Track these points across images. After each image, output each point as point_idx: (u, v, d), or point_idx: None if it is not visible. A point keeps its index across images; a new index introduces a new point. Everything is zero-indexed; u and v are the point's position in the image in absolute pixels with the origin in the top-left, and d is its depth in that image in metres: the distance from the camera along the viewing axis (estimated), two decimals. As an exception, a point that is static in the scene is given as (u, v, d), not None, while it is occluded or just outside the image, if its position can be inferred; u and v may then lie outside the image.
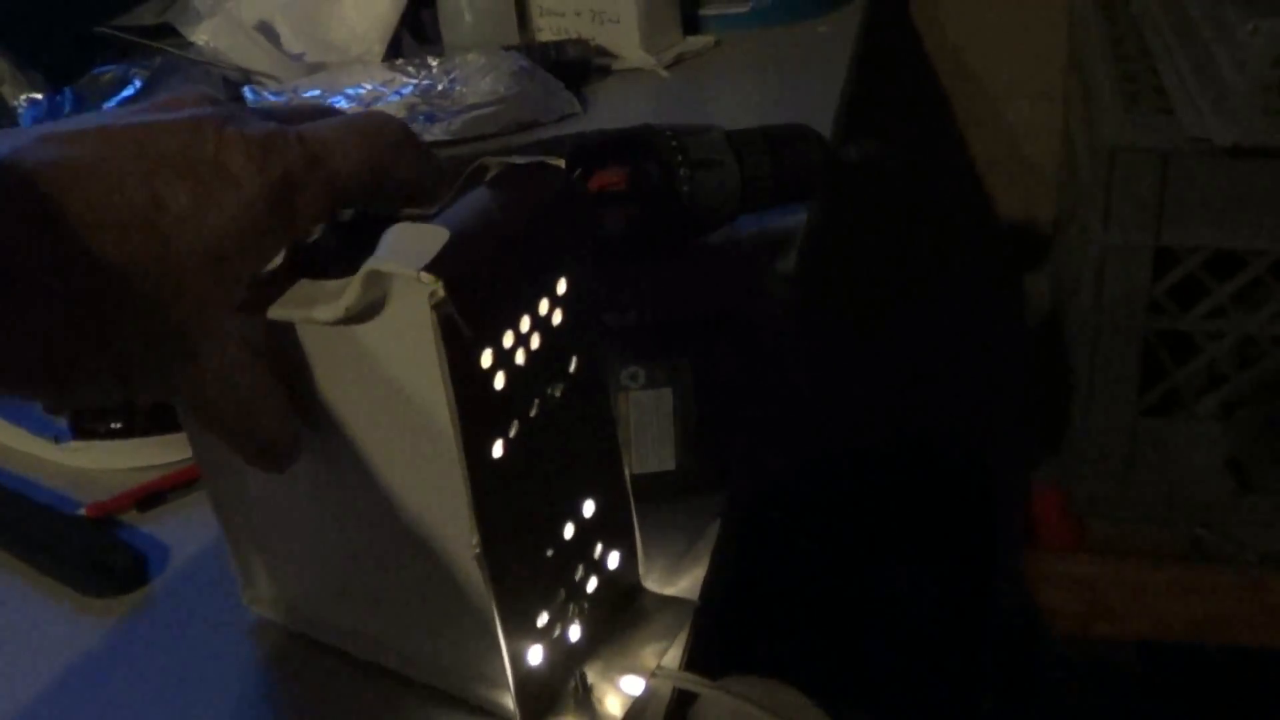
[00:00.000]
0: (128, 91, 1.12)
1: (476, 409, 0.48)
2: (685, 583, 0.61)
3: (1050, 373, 1.33)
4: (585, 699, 0.55)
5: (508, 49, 1.19)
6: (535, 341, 0.51)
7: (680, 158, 0.86)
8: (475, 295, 0.46)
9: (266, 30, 1.20)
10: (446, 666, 0.56)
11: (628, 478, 0.58)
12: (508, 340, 0.49)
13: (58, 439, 0.75)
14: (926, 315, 1.57)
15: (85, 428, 0.74)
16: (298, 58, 1.20)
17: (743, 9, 1.26)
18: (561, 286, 0.52)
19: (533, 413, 0.51)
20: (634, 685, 0.56)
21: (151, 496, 0.70)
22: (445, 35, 1.26)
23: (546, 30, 1.26)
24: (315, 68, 1.19)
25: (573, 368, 0.53)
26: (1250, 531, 1.21)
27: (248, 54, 1.18)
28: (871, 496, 1.53)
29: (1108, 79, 1.16)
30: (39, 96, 1.11)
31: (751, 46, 1.23)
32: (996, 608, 1.27)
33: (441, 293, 0.45)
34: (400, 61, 1.19)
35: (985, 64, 1.48)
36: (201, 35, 1.21)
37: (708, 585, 0.61)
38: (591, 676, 0.56)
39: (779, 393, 0.70)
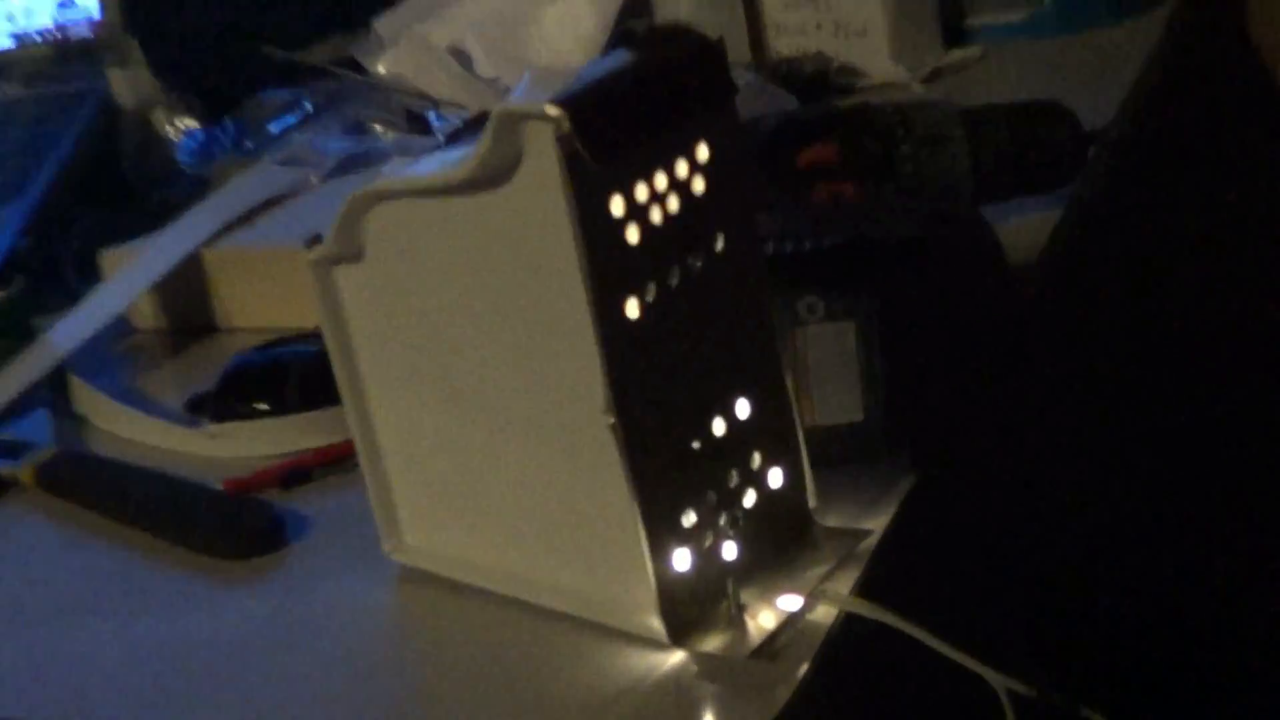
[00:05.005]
0: (295, 117, 1.31)
1: (608, 258, 0.62)
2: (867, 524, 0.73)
3: None
4: (738, 618, 0.66)
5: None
6: (673, 204, 0.64)
7: (902, 132, 0.99)
8: (601, 131, 0.60)
9: (457, 54, 1.39)
10: (589, 591, 0.68)
11: (790, 388, 0.70)
12: (641, 194, 0.62)
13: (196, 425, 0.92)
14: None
15: (228, 410, 0.91)
16: (491, 82, 1.37)
17: (1017, 17, 1.40)
18: (703, 153, 0.65)
19: (672, 281, 0.64)
20: (791, 603, 0.67)
21: (294, 474, 0.86)
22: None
23: (784, 49, 1.41)
24: (510, 92, 1.37)
25: (719, 245, 0.66)
26: None
27: (434, 80, 1.36)
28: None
29: None
30: (195, 125, 1.31)
31: (1025, 59, 1.36)
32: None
33: (567, 125, 0.59)
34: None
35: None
36: (384, 65, 1.40)
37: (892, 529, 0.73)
38: (746, 597, 0.67)
39: (987, 342, 0.81)
